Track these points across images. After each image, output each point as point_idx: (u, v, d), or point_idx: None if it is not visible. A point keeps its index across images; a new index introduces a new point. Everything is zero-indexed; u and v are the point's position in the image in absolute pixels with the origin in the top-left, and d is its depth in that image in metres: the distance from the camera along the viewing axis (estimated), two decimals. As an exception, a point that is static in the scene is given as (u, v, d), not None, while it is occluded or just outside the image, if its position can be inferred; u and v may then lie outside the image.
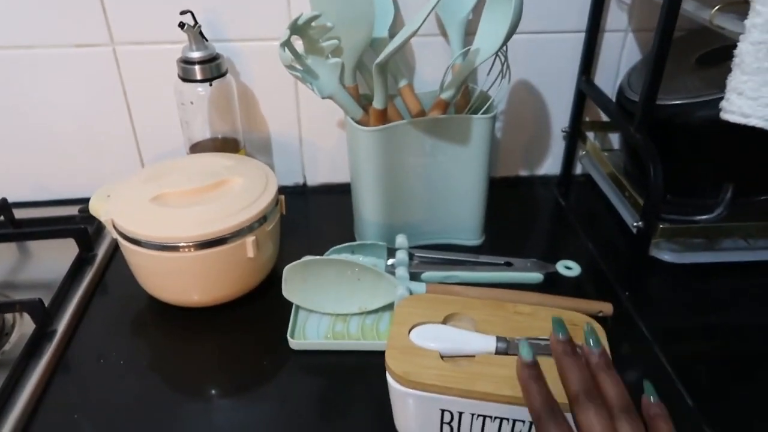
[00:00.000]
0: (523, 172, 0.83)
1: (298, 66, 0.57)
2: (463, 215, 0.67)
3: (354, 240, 0.68)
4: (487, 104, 0.62)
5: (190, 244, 0.53)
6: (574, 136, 0.77)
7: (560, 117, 0.79)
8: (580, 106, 0.75)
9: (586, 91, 0.73)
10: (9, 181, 0.76)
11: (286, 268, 0.54)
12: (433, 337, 0.43)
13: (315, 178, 0.81)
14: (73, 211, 0.72)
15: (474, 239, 0.68)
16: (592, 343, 0.39)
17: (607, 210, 0.71)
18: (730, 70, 0.50)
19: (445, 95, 0.61)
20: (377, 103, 0.59)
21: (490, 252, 0.66)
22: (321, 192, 0.80)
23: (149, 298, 0.60)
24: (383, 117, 0.60)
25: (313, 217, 0.76)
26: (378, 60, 0.55)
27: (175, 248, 0.53)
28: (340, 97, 0.60)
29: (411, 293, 0.54)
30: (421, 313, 0.46)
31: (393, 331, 0.44)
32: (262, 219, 0.56)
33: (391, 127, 0.60)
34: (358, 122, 0.61)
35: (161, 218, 0.54)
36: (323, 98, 0.59)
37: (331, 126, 0.76)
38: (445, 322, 0.46)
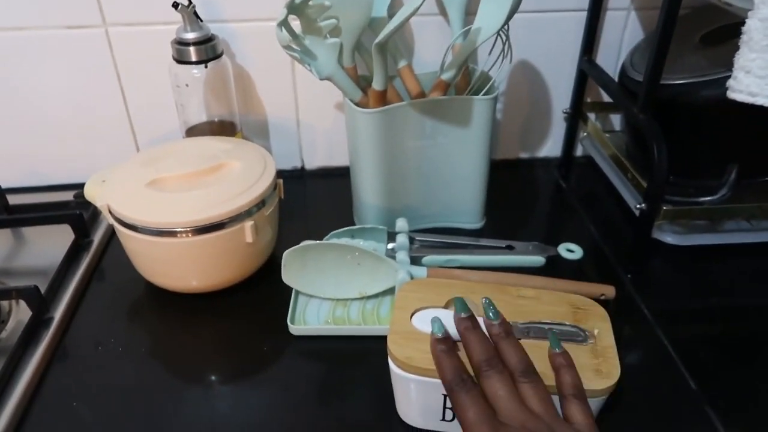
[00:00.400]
0: (524, 155, 0.82)
1: (295, 46, 0.56)
2: (463, 198, 0.66)
3: (353, 224, 0.67)
4: (488, 85, 0.61)
5: (188, 229, 0.52)
6: (576, 117, 0.76)
7: (561, 98, 0.77)
8: (581, 87, 0.74)
9: (587, 71, 0.72)
10: (2, 167, 0.74)
11: (286, 253, 0.54)
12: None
13: (313, 162, 0.79)
14: (68, 196, 0.71)
15: (475, 222, 0.68)
16: (491, 315, 0.41)
17: (609, 192, 0.70)
18: (735, 49, 0.49)
19: (446, 76, 0.60)
20: (377, 85, 0.58)
21: (490, 235, 0.65)
22: (319, 176, 0.79)
23: (147, 284, 0.59)
24: (383, 98, 0.59)
25: (311, 201, 0.75)
26: (377, 40, 0.53)
27: (172, 233, 0.52)
28: (339, 79, 0.59)
29: (412, 277, 0.53)
30: (423, 298, 0.46)
31: (395, 316, 0.44)
32: (261, 203, 0.55)
33: (391, 108, 0.58)
34: (357, 104, 0.60)
35: (158, 203, 0.53)
36: (321, 79, 0.58)
37: (329, 108, 0.75)
38: (447, 306, 0.45)
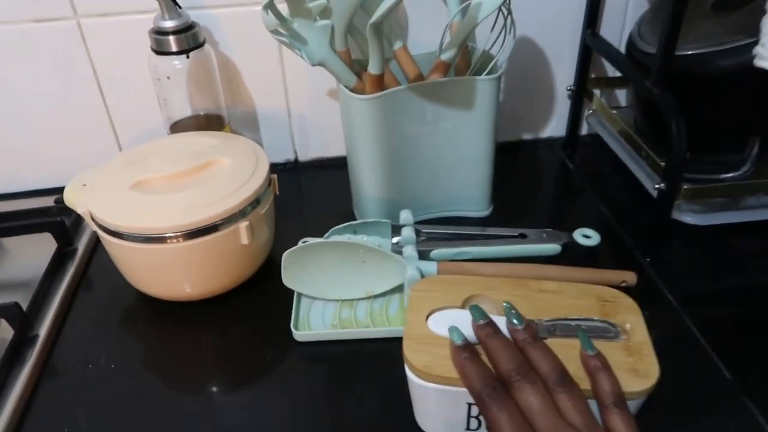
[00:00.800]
0: (527, 136, 0.78)
1: (283, 31, 0.52)
2: (469, 185, 0.62)
3: (354, 217, 0.64)
4: (491, 64, 0.57)
5: (178, 234, 0.48)
6: (580, 94, 0.72)
7: (563, 74, 0.74)
8: (585, 62, 0.70)
9: (592, 45, 0.68)
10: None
11: (285, 254, 0.50)
12: (453, 323, 0.39)
13: (307, 153, 0.75)
14: (48, 202, 0.67)
15: (481, 210, 0.64)
16: (515, 321, 0.38)
17: (618, 171, 0.67)
18: (750, 14, 0.46)
19: (446, 56, 0.56)
20: (373, 68, 0.54)
21: (498, 223, 0.62)
22: (314, 167, 0.75)
23: (137, 292, 0.55)
24: (380, 83, 0.55)
25: (307, 196, 0.71)
26: (372, 20, 0.49)
27: (161, 239, 0.48)
28: (332, 64, 0.55)
29: (422, 274, 0.50)
30: (437, 298, 0.42)
31: (409, 319, 0.40)
32: (255, 202, 0.51)
33: (389, 93, 0.55)
34: (352, 90, 0.56)
35: (144, 207, 0.49)
36: (313, 65, 0.54)
37: (321, 95, 0.71)
38: (464, 306, 0.42)
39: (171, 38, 0.60)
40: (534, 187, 0.71)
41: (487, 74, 0.57)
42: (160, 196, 0.50)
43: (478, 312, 0.38)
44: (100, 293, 0.57)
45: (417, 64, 0.60)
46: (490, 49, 0.59)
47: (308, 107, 0.72)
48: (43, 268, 0.57)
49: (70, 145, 0.70)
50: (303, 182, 0.73)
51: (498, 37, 0.58)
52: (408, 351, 0.38)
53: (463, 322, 0.39)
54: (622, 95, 0.77)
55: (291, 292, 0.53)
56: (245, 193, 0.50)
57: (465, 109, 0.57)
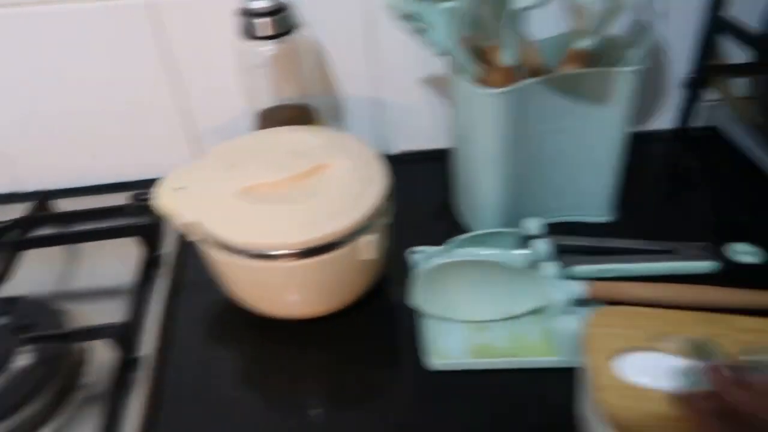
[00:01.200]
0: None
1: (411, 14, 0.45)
2: (593, 188, 0.56)
3: (454, 217, 0.58)
4: (631, 53, 0.50)
5: (295, 251, 0.43)
6: (699, 82, 0.65)
7: (677, 59, 0.66)
8: (709, 47, 0.63)
9: (720, 28, 0.60)
10: (33, 166, 0.64)
11: (419, 274, 0.44)
12: (655, 371, 0.33)
13: (396, 145, 0.69)
14: (114, 199, 0.60)
15: (605, 215, 0.58)
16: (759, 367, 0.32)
17: (748, 170, 0.60)
18: None
19: (585, 44, 0.50)
20: (507, 58, 0.47)
21: (623, 231, 0.56)
22: (403, 161, 0.68)
23: (237, 305, 0.49)
24: (511, 75, 0.49)
25: (401, 194, 0.64)
26: (525, 3, 0.42)
27: (274, 257, 0.43)
28: (458, 52, 0.48)
29: (570, 297, 0.44)
30: (619, 335, 0.36)
31: (595, 364, 0.35)
32: (378, 213, 0.45)
33: (523, 87, 0.48)
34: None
35: (255, 219, 0.43)
36: (440, 55, 0.48)
37: (412, 83, 0.64)
38: (652, 345, 0.36)
39: (262, 21, 0.53)
40: (652, 186, 0.64)
41: (627, 65, 0.50)
42: (272, 206, 0.44)
43: (709, 353, 0.32)
44: (196, 307, 0.52)
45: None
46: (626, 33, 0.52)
47: (398, 95, 0.65)
48: (122, 275, 0.52)
49: (140, 138, 0.64)
50: (395, 179, 0.67)
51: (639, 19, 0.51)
52: (612, 408, 0.32)
53: (671, 370, 0.34)
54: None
55: (407, 309, 0.47)
56: (368, 203, 0.44)
57: (598, 104, 0.51)
